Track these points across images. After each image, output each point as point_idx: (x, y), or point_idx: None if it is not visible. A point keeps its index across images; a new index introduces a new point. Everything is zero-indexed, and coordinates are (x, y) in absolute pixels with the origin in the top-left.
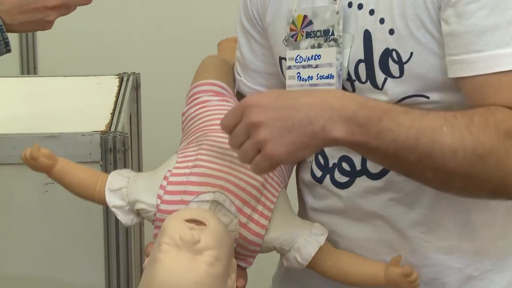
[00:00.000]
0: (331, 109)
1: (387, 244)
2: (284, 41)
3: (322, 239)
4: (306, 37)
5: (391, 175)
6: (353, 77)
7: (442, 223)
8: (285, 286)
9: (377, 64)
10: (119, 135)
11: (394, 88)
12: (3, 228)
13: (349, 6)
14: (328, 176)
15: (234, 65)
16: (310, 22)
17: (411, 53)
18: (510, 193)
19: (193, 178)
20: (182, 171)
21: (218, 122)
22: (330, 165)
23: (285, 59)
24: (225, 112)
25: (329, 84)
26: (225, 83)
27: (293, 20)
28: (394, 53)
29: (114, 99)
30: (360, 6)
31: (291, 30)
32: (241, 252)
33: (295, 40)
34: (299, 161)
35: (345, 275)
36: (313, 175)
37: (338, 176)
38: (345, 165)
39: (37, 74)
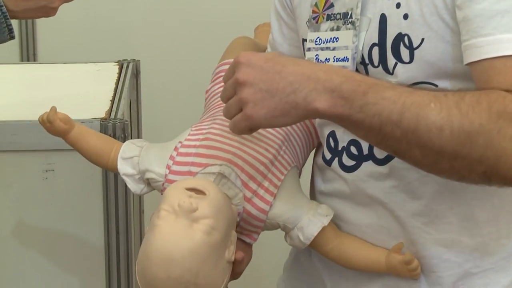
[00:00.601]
0: (316, 80)
1: (387, 232)
2: (307, 22)
3: (326, 220)
4: (327, 20)
5: (396, 162)
6: (367, 61)
7: (443, 216)
8: (293, 273)
9: (389, 48)
10: (119, 122)
11: (404, 73)
12: (2, 216)
13: None
14: (336, 159)
15: (266, 49)
16: (332, 5)
17: (422, 39)
18: (504, 177)
19: (202, 150)
20: (193, 143)
21: None
22: (340, 148)
23: (306, 40)
24: None
25: (344, 67)
26: None
27: (316, 2)
28: (406, 38)
29: (114, 86)
30: None
31: (313, 12)
32: (245, 227)
33: (317, 22)
34: (317, 145)
35: (347, 259)
36: (323, 157)
37: (346, 160)
38: (353, 149)
39: (37, 61)
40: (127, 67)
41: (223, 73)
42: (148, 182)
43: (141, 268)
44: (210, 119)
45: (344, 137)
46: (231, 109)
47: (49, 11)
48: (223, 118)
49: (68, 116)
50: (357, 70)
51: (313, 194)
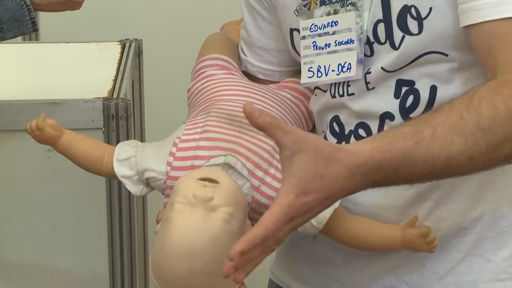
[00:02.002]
0: (353, 187)
1: (400, 211)
2: (296, 11)
3: (336, 203)
4: (321, 5)
5: None
6: (372, 39)
7: (459, 186)
8: (290, 259)
9: (395, 22)
10: (122, 102)
11: (412, 46)
12: (5, 195)
13: None
14: (343, 144)
15: (239, 45)
16: None
17: (430, 8)
18: None
19: (203, 143)
20: (192, 137)
21: (226, 93)
22: (346, 132)
23: (297, 30)
24: (231, 84)
25: (349, 49)
26: (231, 58)
27: None
28: (413, 9)
29: (116, 65)
30: None
31: (303, 0)
32: (254, 217)
33: (308, 9)
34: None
35: (361, 240)
36: None
37: (354, 143)
38: (361, 132)
39: (39, 41)
40: (130, 46)
41: (204, 70)
42: (147, 182)
43: (158, 266)
44: (203, 113)
45: (350, 120)
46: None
47: (74, 5)
48: (218, 110)
49: (57, 122)
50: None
51: None
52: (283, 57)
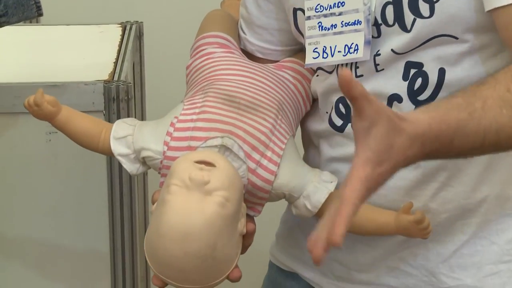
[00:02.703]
0: (414, 155)
1: (405, 192)
2: None
3: (332, 186)
4: None
5: None
6: (380, 21)
7: (464, 168)
8: (292, 242)
9: (406, 5)
10: (122, 84)
11: (423, 28)
12: (5, 178)
13: None
14: (349, 125)
15: (239, 22)
16: None
17: None
18: None
19: (200, 124)
20: (189, 117)
21: (225, 72)
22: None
23: (301, 10)
24: (231, 63)
25: (356, 30)
26: (230, 36)
27: None
28: None
29: (117, 48)
30: None
31: None
32: (250, 199)
33: None
34: (307, 113)
35: (355, 225)
36: (332, 124)
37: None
38: None
39: (39, 23)
40: (130, 29)
41: (203, 47)
42: (144, 161)
43: (152, 247)
44: (201, 92)
45: None
46: None
47: None
48: (216, 90)
49: (55, 98)
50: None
51: (316, 161)
52: (282, 36)
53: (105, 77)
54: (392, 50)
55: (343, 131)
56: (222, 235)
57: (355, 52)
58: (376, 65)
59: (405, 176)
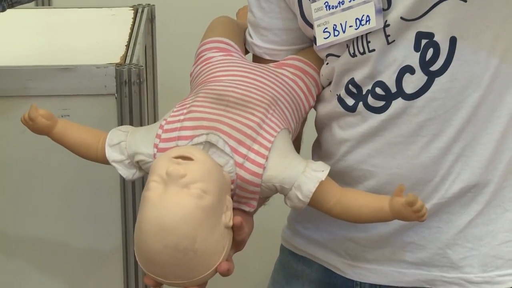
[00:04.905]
0: None
1: (422, 169)
2: None
3: (322, 175)
4: None
5: (430, 93)
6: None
7: (479, 137)
8: (302, 223)
9: None
10: (134, 68)
11: None
12: (18, 161)
13: None
14: (361, 103)
15: (246, 29)
16: None
17: None
18: None
19: (187, 123)
20: (177, 118)
21: (219, 74)
22: (364, 92)
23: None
24: (227, 65)
25: (365, 2)
26: (232, 40)
27: None
28: None
29: (129, 31)
30: None
31: None
32: (242, 194)
33: None
34: (318, 100)
35: (351, 212)
36: (344, 105)
37: (373, 102)
38: (379, 90)
39: (51, 6)
40: (142, 12)
41: (203, 53)
42: (139, 166)
43: (137, 245)
44: (192, 95)
45: (366, 81)
46: None
47: None
48: (206, 90)
49: (49, 112)
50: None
51: (329, 145)
52: (286, 35)
53: (117, 60)
54: (401, 17)
55: (355, 110)
56: (202, 227)
57: (367, 23)
58: (387, 36)
59: (420, 153)
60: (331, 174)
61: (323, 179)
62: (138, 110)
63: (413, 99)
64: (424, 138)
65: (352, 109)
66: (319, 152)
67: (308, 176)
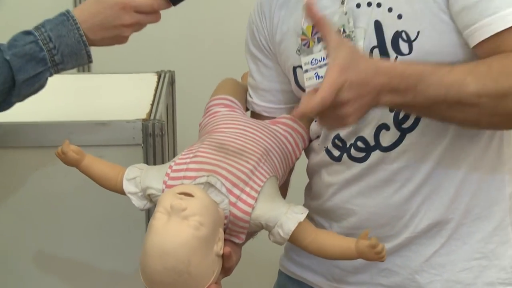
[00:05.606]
0: (381, 85)
1: (394, 208)
2: (297, 51)
3: (301, 217)
4: (318, 42)
5: (402, 146)
6: None
7: (443, 181)
8: (297, 252)
9: (389, 46)
10: (158, 122)
11: None
12: (62, 195)
13: (358, 7)
14: (345, 155)
15: (247, 90)
16: None
17: (418, 32)
18: None
19: (192, 166)
20: (184, 161)
21: (223, 126)
22: (348, 146)
23: (299, 67)
24: (230, 119)
25: None
26: (235, 98)
27: (303, 32)
28: (403, 34)
29: (153, 92)
30: (369, 4)
31: (302, 40)
32: (233, 228)
33: (308, 47)
34: (309, 152)
35: (324, 250)
36: (331, 156)
37: (355, 153)
38: (360, 144)
39: (90, 72)
40: (164, 76)
41: (211, 108)
42: (150, 198)
43: (141, 264)
44: (199, 142)
45: (350, 136)
46: (333, 122)
47: (122, 39)
48: (211, 139)
49: (79, 148)
50: None
51: (318, 188)
52: (281, 96)
53: (143, 116)
54: None
55: (340, 160)
56: (196, 253)
57: None
58: None
59: (393, 195)
60: (320, 212)
61: (302, 220)
62: (160, 157)
63: (388, 151)
64: (397, 183)
65: (338, 159)
66: (310, 193)
67: (289, 217)
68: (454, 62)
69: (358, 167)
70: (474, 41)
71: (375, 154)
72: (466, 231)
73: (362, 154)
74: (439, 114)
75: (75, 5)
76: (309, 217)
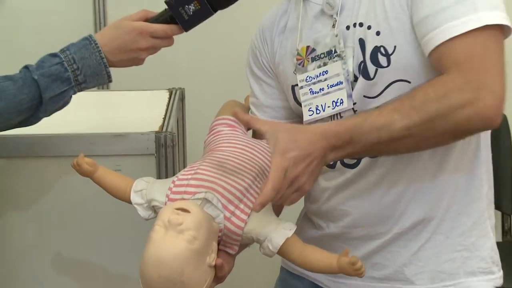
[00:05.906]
0: (323, 148)
1: (385, 207)
2: (294, 72)
3: (289, 233)
4: (312, 61)
5: (385, 156)
6: (358, 75)
7: (426, 185)
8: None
9: (368, 60)
10: (169, 134)
11: (383, 76)
12: (81, 202)
13: (347, 29)
14: (339, 162)
15: (249, 109)
16: (313, 50)
17: (395, 46)
18: (472, 123)
19: (193, 182)
20: (185, 177)
21: (224, 144)
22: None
23: (297, 85)
24: (231, 138)
25: (339, 89)
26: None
27: (298, 52)
28: (382, 48)
29: (165, 107)
30: (354, 25)
31: (297, 60)
32: (227, 240)
33: (303, 66)
34: None
35: (309, 264)
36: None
37: (347, 160)
38: (347, 160)
39: (109, 89)
40: (175, 93)
41: (215, 127)
42: (154, 210)
43: (140, 272)
44: (201, 160)
45: None
46: (290, 197)
47: (138, 61)
48: (212, 158)
49: (92, 160)
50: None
51: (315, 192)
52: (283, 112)
53: (156, 128)
54: (364, 96)
55: (335, 167)
56: (189, 264)
57: (341, 104)
58: (354, 111)
59: (384, 197)
60: (318, 214)
61: (290, 236)
62: (172, 166)
63: (375, 157)
64: (385, 185)
65: (332, 166)
66: (309, 197)
67: (278, 232)
68: (430, 73)
69: (350, 172)
70: (426, 52)
71: (365, 160)
72: (448, 226)
73: (353, 161)
74: (383, 152)
75: (95, 27)
76: (308, 219)
